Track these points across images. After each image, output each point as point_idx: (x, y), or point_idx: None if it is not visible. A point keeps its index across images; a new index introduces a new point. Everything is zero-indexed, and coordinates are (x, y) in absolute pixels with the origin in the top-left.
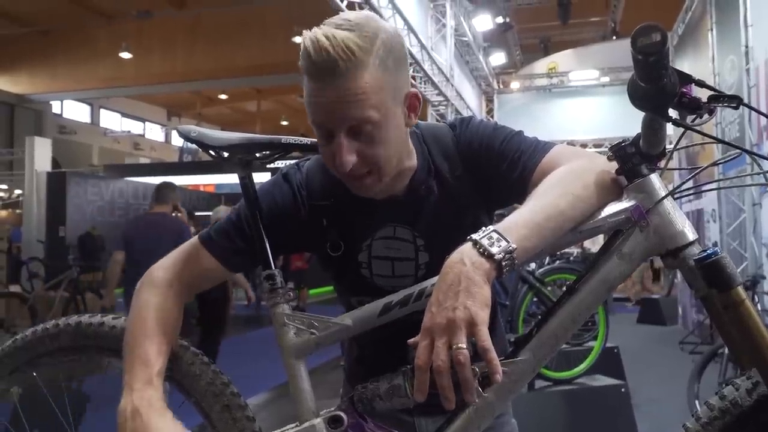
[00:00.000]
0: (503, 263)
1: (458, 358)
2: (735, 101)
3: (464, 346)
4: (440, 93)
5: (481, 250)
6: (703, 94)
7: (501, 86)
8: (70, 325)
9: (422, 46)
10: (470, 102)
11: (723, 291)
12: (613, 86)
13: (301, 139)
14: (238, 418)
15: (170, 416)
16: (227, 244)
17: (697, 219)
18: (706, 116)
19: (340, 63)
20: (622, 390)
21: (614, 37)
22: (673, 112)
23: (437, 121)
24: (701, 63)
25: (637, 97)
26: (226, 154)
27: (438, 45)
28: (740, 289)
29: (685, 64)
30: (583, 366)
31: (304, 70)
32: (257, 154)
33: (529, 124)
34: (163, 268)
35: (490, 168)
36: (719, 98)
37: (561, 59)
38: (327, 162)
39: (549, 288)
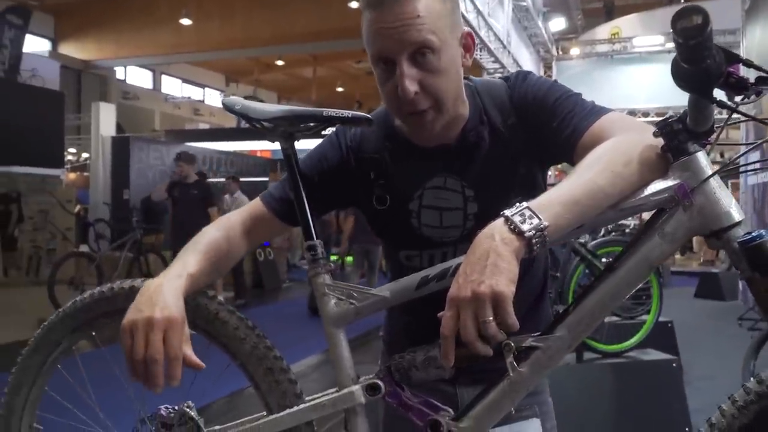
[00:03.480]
0: (533, 240)
1: (488, 332)
2: None
3: (491, 318)
4: (496, 60)
5: (512, 226)
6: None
7: (560, 53)
8: (123, 288)
9: (478, 12)
10: (527, 69)
11: (766, 275)
12: None
13: (343, 112)
14: (281, 380)
15: (182, 304)
16: (280, 196)
17: (764, 193)
18: (753, 97)
19: None
20: (674, 365)
21: (682, 0)
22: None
23: None
24: None
25: (681, 78)
26: (269, 126)
27: (495, 11)
28: None
29: (756, 29)
30: (634, 339)
31: (366, 3)
32: (300, 126)
33: (588, 92)
34: (236, 214)
35: (542, 122)
36: (766, 80)
37: (625, 24)
38: (389, 101)
39: (602, 260)
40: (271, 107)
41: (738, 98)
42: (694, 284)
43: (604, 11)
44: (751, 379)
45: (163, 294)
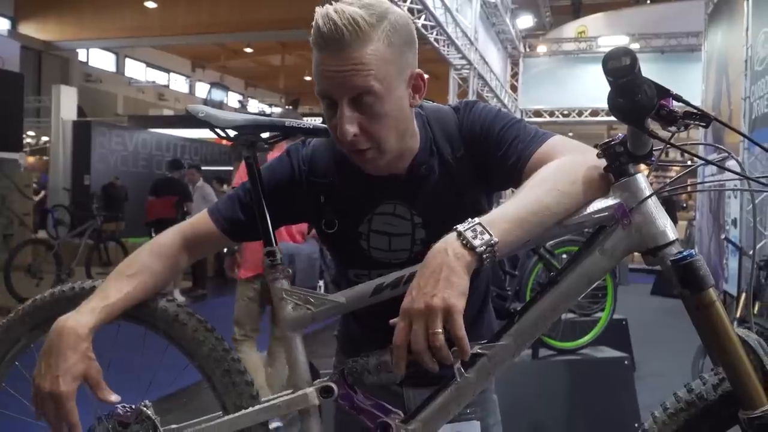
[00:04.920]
0: (484, 256)
1: (435, 343)
2: (705, 120)
3: (440, 330)
4: (463, 57)
5: (464, 242)
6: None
7: (527, 50)
8: (84, 288)
9: (446, 8)
10: (494, 66)
11: (694, 292)
12: (643, 53)
13: (304, 122)
14: (238, 382)
15: (84, 347)
16: (229, 215)
17: (719, 194)
18: (682, 128)
19: (346, 34)
20: (626, 362)
21: (648, 1)
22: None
23: (459, 85)
24: (735, 33)
25: (616, 110)
26: (232, 134)
27: (463, 7)
28: (711, 291)
29: (718, 34)
30: (588, 337)
31: (313, 43)
32: (262, 135)
33: (554, 89)
34: (173, 231)
35: (489, 152)
36: (694, 115)
37: (591, 23)
38: (332, 135)
39: (562, 257)
40: (234, 116)
41: (671, 128)
42: (651, 281)
43: (571, 9)
44: (699, 376)
45: (62, 350)
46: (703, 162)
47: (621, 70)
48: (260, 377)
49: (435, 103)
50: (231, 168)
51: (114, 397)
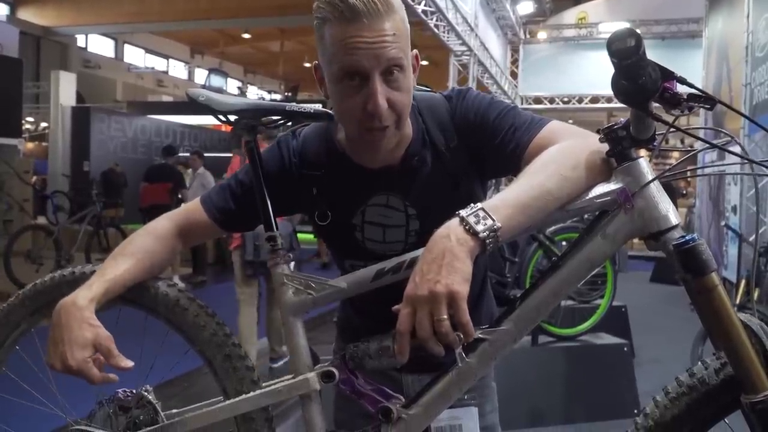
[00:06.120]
0: (487, 241)
1: (440, 329)
2: (710, 103)
3: (445, 317)
4: (463, 43)
5: (467, 227)
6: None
7: (528, 36)
8: (85, 273)
9: None
10: (494, 52)
11: (697, 277)
12: (644, 39)
13: (305, 106)
14: (238, 367)
15: (86, 316)
16: (221, 205)
17: (719, 181)
18: (686, 111)
19: (380, 5)
20: (625, 349)
21: None
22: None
23: (459, 71)
24: (736, 20)
25: (620, 92)
26: (233, 118)
27: None
28: (713, 276)
29: (719, 20)
30: (587, 324)
31: (336, 15)
32: (263, 119)
33: (554, 76)
34: (166, 217)
35: (484, 141)
36: (698, 97)
37: (592, 9)
38: (351, 116)
39: (562, 244)
40: (234, 100)
41: (674, 112)
42: (650, 269)
43: None
44: (698, 363)
45: (64, 323)
46: (706, 146)
47: (626, 51)
48: (250, 341)
49: (426, 92)
50: (230, 155)
51: (128, 363)
